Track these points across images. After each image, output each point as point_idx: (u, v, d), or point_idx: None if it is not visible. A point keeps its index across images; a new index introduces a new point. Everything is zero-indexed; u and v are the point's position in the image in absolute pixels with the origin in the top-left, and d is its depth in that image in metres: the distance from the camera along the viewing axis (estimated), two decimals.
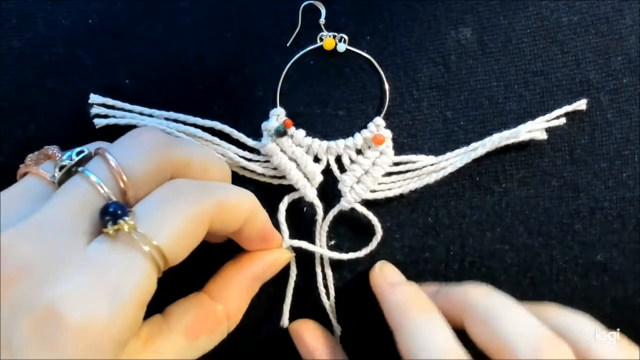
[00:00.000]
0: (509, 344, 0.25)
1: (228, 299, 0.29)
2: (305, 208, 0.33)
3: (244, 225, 0.28)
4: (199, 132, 0.31)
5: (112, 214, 0.24)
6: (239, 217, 0.27)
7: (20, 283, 0.22)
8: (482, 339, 0.26)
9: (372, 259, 0.32)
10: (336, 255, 0.32)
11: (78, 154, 0.27)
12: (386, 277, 0.31)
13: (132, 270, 0.23)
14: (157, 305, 0.28)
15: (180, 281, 0.28)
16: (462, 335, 0.27)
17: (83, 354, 0.22)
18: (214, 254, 0.30)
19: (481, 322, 0.27)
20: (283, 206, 0.32)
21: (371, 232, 0.32)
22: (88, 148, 0.27)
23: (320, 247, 0.32)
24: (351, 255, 0.32)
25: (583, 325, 0.28)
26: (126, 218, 0.24)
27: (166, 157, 0.27)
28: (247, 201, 0.28)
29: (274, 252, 0.31)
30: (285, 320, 0.33)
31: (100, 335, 0.22)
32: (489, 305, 0.27)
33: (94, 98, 0.32)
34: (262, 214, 0.29)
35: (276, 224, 0.32)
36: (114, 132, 0.32)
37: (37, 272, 0.23)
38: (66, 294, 0.22)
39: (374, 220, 0.32)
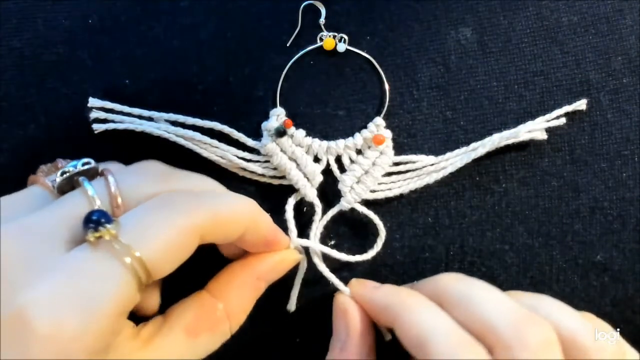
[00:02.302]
0: (489, 323, 0.26)
1: (230, 298, 0.29)
2: (305, 208, 0.33)
3: (244, 234, 0.27)
4: (197, 135, 0.31)
5: (95, 221, 0.23)
6: (236, 228, 0.27)
7: None
8: (461, 322, 0.26)
9: (372, 259, 0.32)
10: (343, 257, 0.32)
11: (84, 164, 0.27)
12: (367, 284, 0.31)
13: (108, 280, 0.23)
14: (163, 306, 0.28)
15: (186, 282, 0.28)
16: None
17: None
18: (221, 255, 0.30)
19: (458, 306, 0.27)
20: (289, 207, 0.32)
21: (371, 232, 0.32)
22: (97, 163, 0.28)
23: (330, 249, 0.32)
24: (358, 258, 0.32)
25: (555, 307, 0.28)
26: (108, 226, 0.23)
27: (166, 188, 0.27)
28: (245, 210, 0.27)
29: (281, 253, 0.30)
30: (292, 305, 0.32)
31: (69, 344, 0.21)
32: (464, 289, 0.27)
33: (92, 102, 0.32)
34: (264, 221, 0.29)
35: (281, 225, 0.31)
36: (113, 134, 0.32)
37: (12, 274, 0.23)
38: (37, 300, 0.22)
39: (376, 219, 0.32)
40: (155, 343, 0.26)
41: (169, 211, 0.25)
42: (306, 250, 0.32)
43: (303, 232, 0.33)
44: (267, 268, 0.30)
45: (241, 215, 0.27)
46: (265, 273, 0.30)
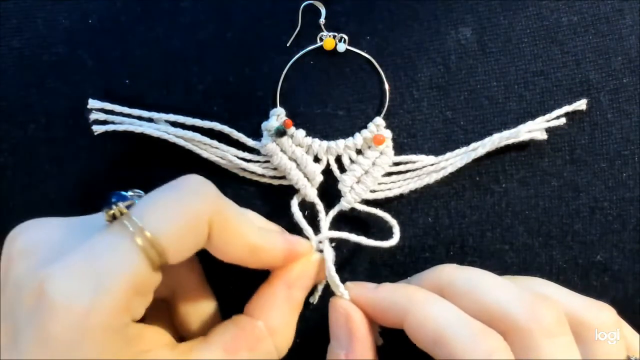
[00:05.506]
0: (501, 310, 0.26)
1: (267, 314, 0.28)
2: (307, 212, 0.33)
3: (250, 258, 0.27)
4: (197, 135, 0.31)
5: (113, 203, 0.25)
6: (239, 244, 0.27)
7: (23, 262, 0.25)
8: (469, 311, 0.26)
9: (372, 259, 0.32)
10: (363, 240, 0.31)
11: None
12: (365, 285, 0.30)
13: (119, 257, 0.24)
14: None
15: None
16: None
17: (69, 335, 0.22)
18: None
19: (465, 295, 0.27)
20: (295, 207, 0.32)
21: (371, 232, 0.32)
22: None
23: (357, 236, 0.31)
24: (381, 243, 0.31)
25: (551, 287, 0.28)
26: (120, 204, 0.25)
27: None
28: (255, 237, 0.27)
29: (304, 258, 0.30)
30: (315, 298, 0.32)
31: (83, 317, 0.23)
32: (469, 278, 0.27)
33: (92, 103, 0.32)
34: (271, 253, 0.28)
35: (287, 224, 0.31)
36: (113, 135, 0.32)
37: (40, 254, 0.25)
38: (54, 275, 0.23)
39: (380, 212, 0.32)
40: (193, 356, 0.26)
41: (183, 193, 0.25)
42: None
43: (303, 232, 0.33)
44: (295, 274, 0.29)
45: (248, 235, 0.27)
46: (295, 280, 0.29)
